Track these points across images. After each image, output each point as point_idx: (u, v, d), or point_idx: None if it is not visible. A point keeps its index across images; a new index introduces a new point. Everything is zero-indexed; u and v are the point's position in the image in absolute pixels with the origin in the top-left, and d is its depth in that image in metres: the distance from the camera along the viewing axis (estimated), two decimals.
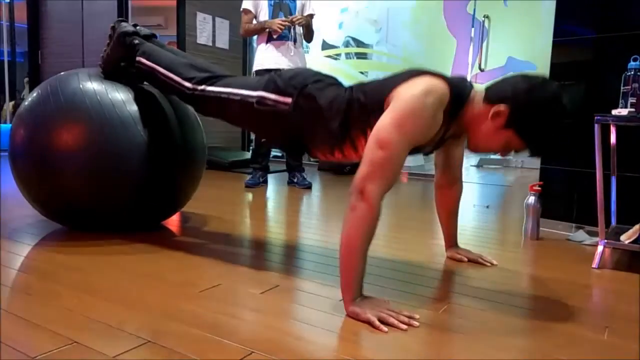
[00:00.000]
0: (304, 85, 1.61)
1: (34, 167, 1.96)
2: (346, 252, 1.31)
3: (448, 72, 4.73)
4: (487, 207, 3.28)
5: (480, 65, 4.59)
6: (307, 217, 2.77)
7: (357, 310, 1.28)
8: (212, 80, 1.80)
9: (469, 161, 4.95)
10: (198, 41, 5.29)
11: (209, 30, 5.39)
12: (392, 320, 1.23)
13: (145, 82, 2.15)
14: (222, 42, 5.61)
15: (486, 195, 3.99)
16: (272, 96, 1.64)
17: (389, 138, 1.29)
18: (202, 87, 1.79)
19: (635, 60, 2.08)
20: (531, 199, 2.36)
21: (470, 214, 3.03)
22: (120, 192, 1.98)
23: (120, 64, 2.06)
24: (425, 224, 2.65)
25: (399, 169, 1.32)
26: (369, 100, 1.46)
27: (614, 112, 1.94)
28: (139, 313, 1.28)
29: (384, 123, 1.32)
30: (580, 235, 2.39)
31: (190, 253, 1.87)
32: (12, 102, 6.77)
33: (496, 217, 2.99)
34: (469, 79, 1.61)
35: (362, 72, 5.27)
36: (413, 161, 5.05)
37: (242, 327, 1.22)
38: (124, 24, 2.07)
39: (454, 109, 1.41)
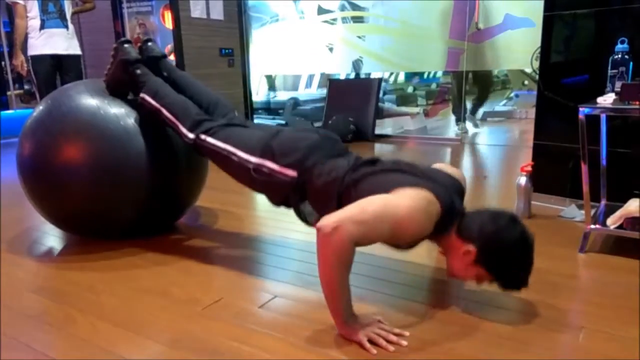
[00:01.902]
0: (301, 161, 1.63)
1: (42, 181, 2.05)
2: (327, 287, 1.34)
3: (446, 35, 4.70)
4: (485, 177, 3.34)
5: (477, 24, 4.52)
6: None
7: (348, 332, 1.36)
8: (214, 129, 1.83)
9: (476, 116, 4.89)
10: (192, 15, 5.22)
11: (202, 3, 5.30)
12: (380, 341, 1.32)
13: None
14: (217, 13, 5.52)
15: (486, 160, 4.03)
16: (269, 164, 1.67)
17: (397, 206, 1.33)
18: (203, 137, 1.83)
19: (622, 42, 2.07)
20: (522, 180, 2.42)
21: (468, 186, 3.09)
22: (129, 201, 2.06)
23: (122, 89, 2.09)
24: None
25: (379, 236, 1.35)
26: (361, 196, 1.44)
27: (599, 99, 1.95)
28: (148, 340, 1.40)
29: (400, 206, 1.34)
30: (572, 211, 2.46)
31: (196, 261, 1.97)
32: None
33: (492, 188, 3.06)
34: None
35: (359, 37, 5.20)
36: (413, 124, 5.07)
37: (241, 350, 1.34)
38: (127, 46, 2.02)
39: (439, 228, 1.43)
